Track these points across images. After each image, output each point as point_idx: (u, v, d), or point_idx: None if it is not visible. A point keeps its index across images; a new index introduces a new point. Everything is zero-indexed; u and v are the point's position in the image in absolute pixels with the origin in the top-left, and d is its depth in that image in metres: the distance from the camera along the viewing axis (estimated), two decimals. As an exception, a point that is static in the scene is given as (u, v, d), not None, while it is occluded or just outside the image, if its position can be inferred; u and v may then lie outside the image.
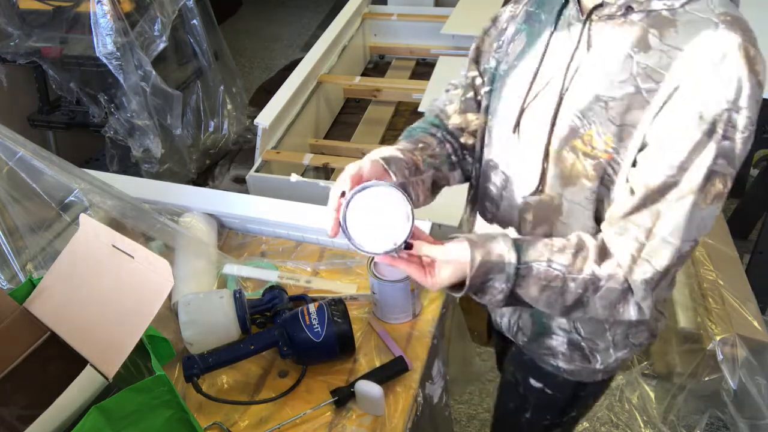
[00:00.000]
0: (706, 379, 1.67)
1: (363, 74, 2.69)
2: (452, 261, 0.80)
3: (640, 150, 0.76)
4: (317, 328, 1.00)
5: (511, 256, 0.80)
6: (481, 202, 0.99)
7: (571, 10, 0.84)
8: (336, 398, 0.98)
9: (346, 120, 2.45)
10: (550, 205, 0.87)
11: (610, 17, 0.78)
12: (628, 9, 0.77)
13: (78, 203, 1.16)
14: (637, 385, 1.86)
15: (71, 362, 0.71)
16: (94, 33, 2.13)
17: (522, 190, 0.89)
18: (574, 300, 0.80)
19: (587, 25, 0.81)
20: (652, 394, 1.84)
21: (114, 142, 2.37)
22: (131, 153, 2.37)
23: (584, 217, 0.84)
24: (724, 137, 0.71)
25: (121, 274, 0.73)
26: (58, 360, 0.74)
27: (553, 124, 0.83)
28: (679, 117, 0.72)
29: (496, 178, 0.94)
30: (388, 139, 2.26)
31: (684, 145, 0.72)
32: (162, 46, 2.29)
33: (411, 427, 0.99)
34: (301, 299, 1.12)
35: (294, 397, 1.01)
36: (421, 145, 0.96)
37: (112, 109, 2.30)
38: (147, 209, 1.23)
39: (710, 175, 0.72)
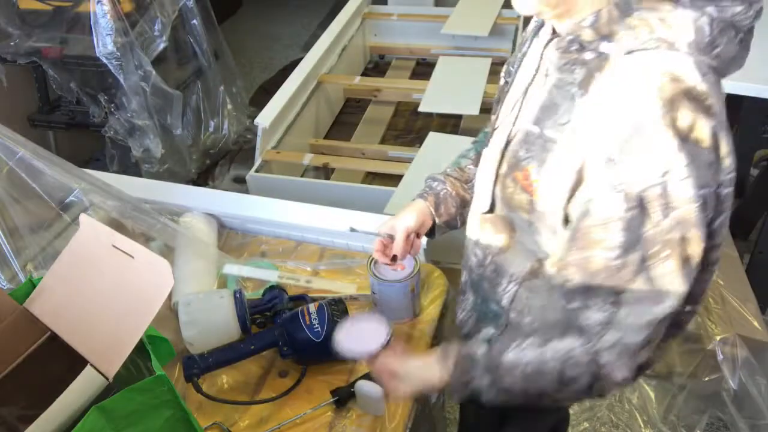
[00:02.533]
0: (706, 379, 1.67)
1: (363, 74, 2.69)
2: (414, 376, 0.86)
3: None
4: (317, 327, 1.00)
5: (478, 348, 0.81)
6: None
7: (543, 33, 0.81)
8: (336, 398, 0.98)
9: (346, 120, 2.45)
10: (503, 220, 0.86)
11: (566, 51, 0.74)
12: (581, 46, 0.72)
13: (78, 203, 1.16)
14: (637, 385, 1.86)
15: (71, 362, 0.71)
16: (94, 33, 2.12)
17: (479, 207, 0.89)
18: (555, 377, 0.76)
19: (544, 52, 0.78)
20: (652, 394, 1.83)
21: (114, 142, 2.37)
22: (131, 153, 2.37)
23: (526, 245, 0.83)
24: (667, 209, 0.67)
25: (121, 274, 0.73)
26: (58, 360, 0.74)
27: (503, 152, 0.82)
28: (599, 198, 0.69)
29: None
30: (387, 139, 2.25)
31: (611, 231, 0.69)
32: (162, 46, 2.28)
33: (411, 427, 0.99)
34: (301, 299, 1.12)
35: (294, 397, 1.01)
36: (465, 174, 1.03)
37: (112, 109, 2.30)
38: (147, 209, 1.23)
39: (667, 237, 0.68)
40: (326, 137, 2.36)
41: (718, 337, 1.63)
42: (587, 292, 0.72)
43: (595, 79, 0.70)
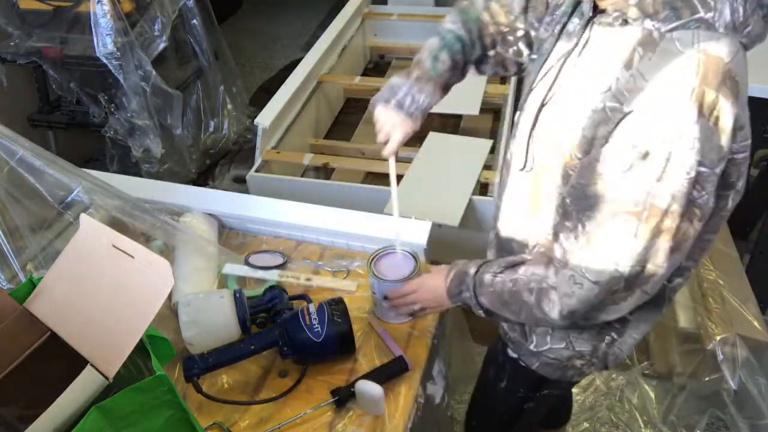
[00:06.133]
0: (706, 379, 1.67)
1: (363, 74, 2.69)
2: (428, 281, 1.03)
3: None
4: (317, 327, 1.00)
5: (470, 269, 0.96)
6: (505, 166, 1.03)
7: (581, 11, 0.85)
8: (336, 398, 0.98)
9: (346, 120, 2.45)
10: (527, 188, 0.93)
11: (610, 25, 0.79)
12: (625, 21, 0.77)
13: (79, 203, 1.16)
14: (637, 385, 1.86)
15: (71, 362, 0.71)
16: (94, 33, 2.12)
17: (516, 164, 0.95)
18: (517, 302, 0.90)
19: (588, 29, 0.82)
20: (652, 394, 1.83)
21: (114, 142, 2.37)
22: (131, 153, 2.37)
23: (551, 212, 0.88)
24: (663, 171, 0.71)
25: (121, 274, 0.73)
26: (58, 360, 0.74)
27: (537, 114, 0.88)
28: (617, 142, 0.74)
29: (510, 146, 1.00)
30: (388, 139, 2.25)
31: (616, 167, 0.74)
32: (162, 46, 2.29)
33: (412, 428, 0.99)
34: (301, 299, 1.12)
35: (294, 397, 1.01)
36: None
37: (112, 109, 2.30)
38: (147, 209, 1.23)
39: (651, 201, 0.73)
40: (326, 137, 2.36)
41: (718, 337, 1.63)
42: (565, 215, 0.82)
43: (638, 54, 0.74)
